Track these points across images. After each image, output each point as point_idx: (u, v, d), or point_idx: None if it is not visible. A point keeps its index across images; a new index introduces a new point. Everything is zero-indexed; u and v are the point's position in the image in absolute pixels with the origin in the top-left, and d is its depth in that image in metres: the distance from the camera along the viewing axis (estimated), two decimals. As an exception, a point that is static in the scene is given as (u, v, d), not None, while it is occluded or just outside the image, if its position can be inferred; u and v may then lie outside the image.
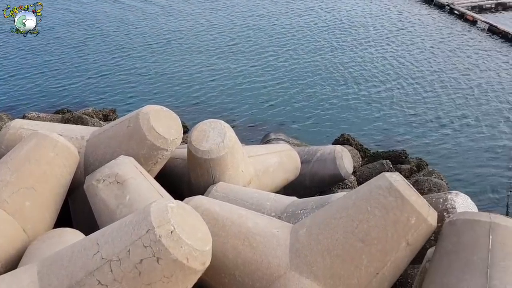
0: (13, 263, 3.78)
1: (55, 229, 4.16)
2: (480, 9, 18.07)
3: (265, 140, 8.96)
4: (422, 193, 5.91)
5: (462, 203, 4.15)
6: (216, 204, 3.68)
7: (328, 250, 3.20)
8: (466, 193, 4.32)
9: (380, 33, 16.05)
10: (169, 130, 4.64)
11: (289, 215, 4.32)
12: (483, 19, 16.80)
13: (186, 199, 3.79)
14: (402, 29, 16.47)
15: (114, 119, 9.74)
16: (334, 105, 11.68)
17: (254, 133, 10.21)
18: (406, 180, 3.38)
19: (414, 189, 3.34)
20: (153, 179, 4.49)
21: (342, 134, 9.26)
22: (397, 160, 8.50)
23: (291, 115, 11.23)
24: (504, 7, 18.32)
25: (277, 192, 5.55)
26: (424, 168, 8.36)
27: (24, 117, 9.33)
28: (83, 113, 9.67)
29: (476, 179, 9.02)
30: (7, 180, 4.01)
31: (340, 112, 11.38)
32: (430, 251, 3.64)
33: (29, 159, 4.18)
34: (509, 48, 14.96)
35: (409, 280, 4.40)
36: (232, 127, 5.31)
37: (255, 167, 5.42)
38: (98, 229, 3.84)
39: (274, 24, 16.87)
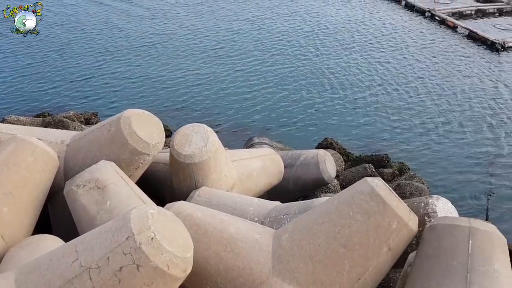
0: (-10, 271, 3.69)
1: (34, 236, 4.08)
2: (460, 16, 18.38)
3: (249, 144, 8.95)
4: (403, 197, 6.00)
5: (442, 207, 4.20)
6: (198, 210, 3.66)
7: (311, 255, 3.20)
8: (447, 197, 4.37)
9: (363, 39, 16.21)
10: (151, 135, 4.59)
11: (272, 220, 4.31)
12: (463, 25, 17.10)
13: (168, 204, 3.75)
14: (385, 35, 16.66)
15: (96, 123, 9.62)
16: (318, 109, 11.74)
17: (237, 137, 10.19)
18: (387, 185, 3.40)
19: (396, 194, 3.36)
20: (134, 184, 4.43)
21: (326, 138, 9.31)
22: (379, 164, 8.57)
23: (275, 119, 11.24)
24: (484, 14, 18.68)
25: (261, 196, 5.54)
26: (406, 172, 8.45)
27: (3, 120, 9.16)
28: (64, 117, 9.52)
29: (457, 183, 9.15)
30: (-16, 185, 3.92)
31: (324, 117, 11.44)
32: (411, 255, 3.66)
33: (7, 164, 4.08)
34: (488, 54, 15.25)
35: (391, 284, 4.43)
36: (216, 131, 5.29)
37: (239, 172, 5.40)
38: (78, 235, 3.78)
39: (259, 29, 16.91)
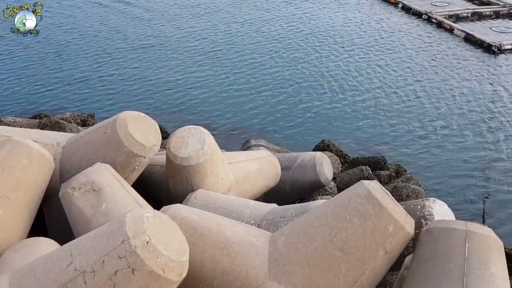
0: (-16, 274, 3.67)
1: (28, 239, 4.05)
2: (457, 18, 18.43)
3: (246, 147, 8.94)
4: (400, 199, 6.01)
5: (439, 210, 4.20)
6: (194, 213, 3.64)
7: (307, 259, 3.19)
8: (443, 200, 4.38)
9: (360, 41, 16.23)
10: (147, 137, 4.58)
11: (268, 222, 4.30)
12: (460, 28, 17.15)
13: (164, 207, 3.74)
14: (382, 37, 16.69)
15: (93, 124, 9.60)
16: (315, 111, 11.74)
17: (234, 139, 10.18)
18: (384, 188, 3.40)
19: (392, 197, 3.36)
20: (130, 186, 4.42)
21: (323, 140, 9.31)
22: (376, 166, 8.58)
23: (272, 121, 11.24)
24: (480, 16, 18.73)
25: (257, 199, 5.53)
26: (403, 174, 8.47)
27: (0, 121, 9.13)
28: (60, 118, 9.51)
29: (453, 186, 9.16)
30: (-21, 188, 3.89)
31: (320, 119, 11.45)
32: (408, 258, 3.66)
33: (2, 166, 4.06)
34: (485, 56, 15.29)
35: (387, 287, 4.42)
36: (213, 133, 5.28)
37: (235, 174, 5.39)
38: (74, 238, 3.76)
39: (257, 31, 16.91)
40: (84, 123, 9.93)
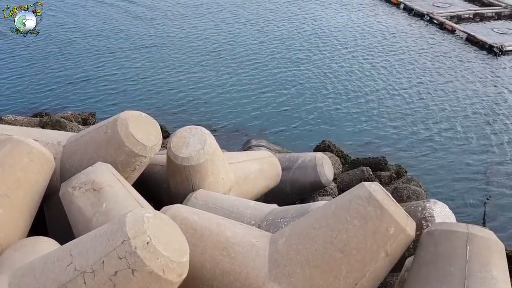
0: (-16, 273, 3.66)
1: (28, 238, 4.04)
2: (459, 19, 18.40)
3: (246, 147, 8.93)
4: (401, 201, 5.99)
5: (440, 211, 4.19)
6: (195, 213, 3.63)
7: (307, 260, 3.18)
8: (444, 202, 4.37)
9: (363, 42, 16.20)
10: (148, 137, 4.57)
11: (269, 223, 4.30)
12: (462, 29, 17.13)
13: (164, 208, 3.73)
14: (384, 38, 16.66)
15: (94, 123, 9.61)
16: (315, 112, 11.72)
17: (235, 139, 10.16)
18: (385, 190, 3.39)
19: (393, 199, 3.35)
20: (131, 186, 4.41)
21: (323, 141, 9.29)
22: (377, 167, 8.56)
23: (273, 122, 11.22)
24: (482, 17, 18.70)
25: (258, 199, 5.53)
26: (403, 175, 8.46)
27: (0, 120, 9.12)
28: (61, 117, 9.51)
29: (455, 188, 9.13)
30: (-21, 187, 3.89)
31: (321, 119, 11.43)
32: (409, 260, 3.65)
33: (2, 165, 4.05)
34: (486, 57, 15.26)
35: (388, 289, 4.41)
36: (214, 133, 5.26)
37: (236, 174, 5.38)
38: (74, 237, 3.76)
39: (259, 31, 16.89)
40: (85, 122, 9.93)
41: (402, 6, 19.96)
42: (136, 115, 4.63)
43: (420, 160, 9.96)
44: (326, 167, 6.32)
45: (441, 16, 18.22)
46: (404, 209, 3.45)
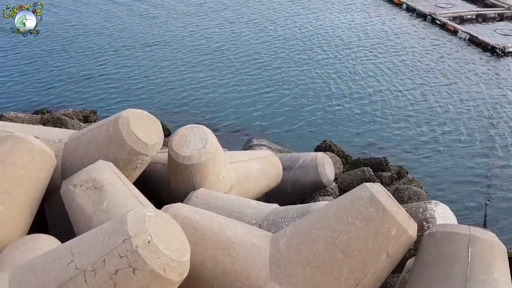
0: (-15, 270, 3.65)
1: (29, 235, 4.04)
2: (461, 20, 18.37)
3: (247, 146, 8.93)
4: (402, 201, 5.98)
5: (441, 213, 4.19)
6: (196, 212, 3.62)
7: (308, 261, 3.18)
8: (445, 203, 4.36)
9: (365, 42, 16.17)
10: (150, 135, 4.56)
11: (269, 223, 4.29)
12: (464, 30, 17.09)
13: (165, 206, 3.73)
14: (387, 38, 16.63)
15: (95, 121, 9.60)
16: (317, 112, 11.71)
17: (236, 138, 10.15)
18: (387, 191, 3.38)
19: (395, 200, 3.34)
20: (132, 184, 4.40)
21: (324, 141, 9.27)
22: (378, 168, 8.56)
23: (274, 121, 11.21)
24: (484, 18, 18.67)
25: (259, 198, 5.52)
26: (405, 176, 8.45)
27: (1, 117, 9.12)
28: (63, 114, 9.51)
29: (456, 190, 9.11)
30: (-20, 184, 3.88)
31: (323, 119, 11.41)
32: (409, 261, 3.65)
33: (3, 163, 4.05)
34: (489, 59, 15.22)
35: (388, 290, 4.41)
36: (215, 132, 5.25)
37: (237, 174, 5.38)
38: (75, 235, 3.75)
39: (262, 31, 16.86)
40: (86, 120, 9.93)
41: (404, 6, 19.93)
42: (138, 114, 4.63)
43: (422, 161, 9.94)
44: (327, 167, 6.31)
45: (444, 17, 18.19)
46: (405, 210, 3.44)
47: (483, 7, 19.58)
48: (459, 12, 18.75)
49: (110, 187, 4.01)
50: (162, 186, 5.24)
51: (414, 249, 3.53)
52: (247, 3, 19.63)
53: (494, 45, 15.63)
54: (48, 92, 12.20)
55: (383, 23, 18.13)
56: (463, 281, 2.88)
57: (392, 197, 3.34)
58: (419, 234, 3.44)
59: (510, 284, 2.99)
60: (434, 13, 18.49)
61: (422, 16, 18.81)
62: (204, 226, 3.47)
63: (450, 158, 10.08)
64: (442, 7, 19.27)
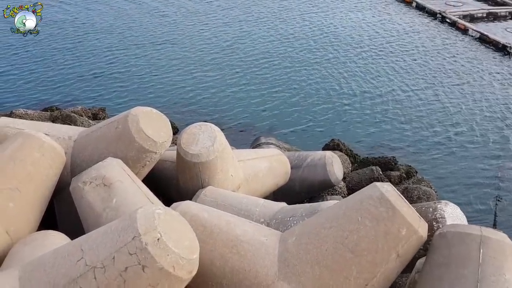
0: (-5, 266, 3.68)
1: (38, 232, 4.06)
2: (472, 18, 18.19)
3: (255, 144, 8.92)
4: (411, 201, 5.94)
5: (451, 213, 4.16)
6: (204, 210, 3.62)
7: (317, 260, 3.16)
8: (455, 202, 4.32)
9: (375, 41, 16.07)
10: (159, 133, 4.57)
11: (278, 221, 4.28)
12: (475, 28, 16.93)
13: (174, 204, 3.73)
14: (397, 37, 16.51)
15: (104, 118, 9.64)
16: (325, 110, 11.66)
17: (244, 137, 10.13)
18: (397, 191, 3.35)
19: (405, 200, 3.31)
20: (141, 182, 4.41)
21: (333, 139, 9.22)
22: (386, 167, 8.50)
23: (283, 120, 11.18)
24: (495, 17, 18.48)
25: (266, 197, 5.51)
26: (414, 175, 8.38)
27: (11, 113, 9.18)
28: (72, 111, 9.55)
29: (466, 190, 9.01)
30: (-10, 180, 3.91)
31: (331, 118, 11.36)
32: (419, 261, 3.62)
33: (13, 159, 4.07)
34: (500, 57, 15.07)
35: (397, 290, 4.37)
36: (223, 130, 5.25)
37: (245, 172, 5.37)
38: (84, 232, 3.77)
39: (270, 29, 16.81)
40: (95, 117, 9.97)
41: (414, 4, 19.78)
42: (147, 111, 4.63)
43: (432, 162, 9.84)
44: (335, 166, 6.28)
45: (454, 15, 18.02)
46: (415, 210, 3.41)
47: (494, 6, 19.38)
48: (469, 11, 18.57)
49: (119, 185, 4.02)
50: (171, 183, 5.24)
51: (423, 249, 3.50)
52: (256, 2, 19.60)
53: (505, 44, 15.46)
54: (57, 89, 12.27)
55: (393, 21, 18.01)
56: (474, 282, 2.85)
57: (402, 197, 3.31)
58: (428, 234, 3.41)
59: (521, 285, 2.95)
60: (444, 12, 18.33)
61: (432, 14, 18.65)
62: (213, 224, 3.46)
63: (461, 159, 9.97)
64: (452, 5, 19.09)
